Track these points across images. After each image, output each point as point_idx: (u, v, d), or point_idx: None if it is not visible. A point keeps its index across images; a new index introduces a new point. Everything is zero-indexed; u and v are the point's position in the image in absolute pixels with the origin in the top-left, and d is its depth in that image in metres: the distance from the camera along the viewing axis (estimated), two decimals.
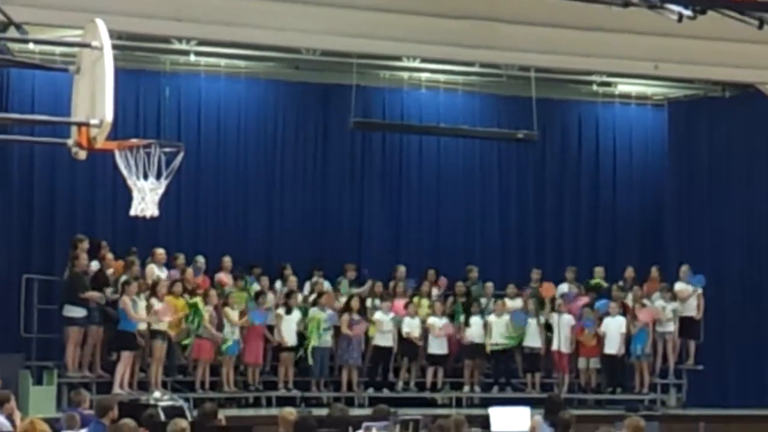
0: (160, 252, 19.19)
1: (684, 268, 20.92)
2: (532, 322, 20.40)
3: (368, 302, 20.27)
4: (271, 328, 19.60)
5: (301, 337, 19.61)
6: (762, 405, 20.33)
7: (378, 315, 19.96)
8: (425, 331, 20.18)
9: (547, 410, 13.73)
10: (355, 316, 19.78)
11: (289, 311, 19.49)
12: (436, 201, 22.35)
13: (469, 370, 20.52)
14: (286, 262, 20.36)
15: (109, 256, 18.72)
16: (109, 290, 18.29)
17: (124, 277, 18.38)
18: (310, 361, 19.50)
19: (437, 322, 20.14)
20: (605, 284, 21.16)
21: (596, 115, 23.10)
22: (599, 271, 21.40)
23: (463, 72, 21.44)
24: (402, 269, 20.88)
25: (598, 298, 20.86)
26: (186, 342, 18.87)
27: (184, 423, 10.83)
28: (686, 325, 20.85)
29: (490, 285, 21.03)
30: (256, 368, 19.49)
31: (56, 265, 19.13)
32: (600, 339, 20.38)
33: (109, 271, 18.62)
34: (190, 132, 20.50)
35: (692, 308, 20.81)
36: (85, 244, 18.44)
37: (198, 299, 18.77)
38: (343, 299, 20.05)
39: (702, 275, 20.78)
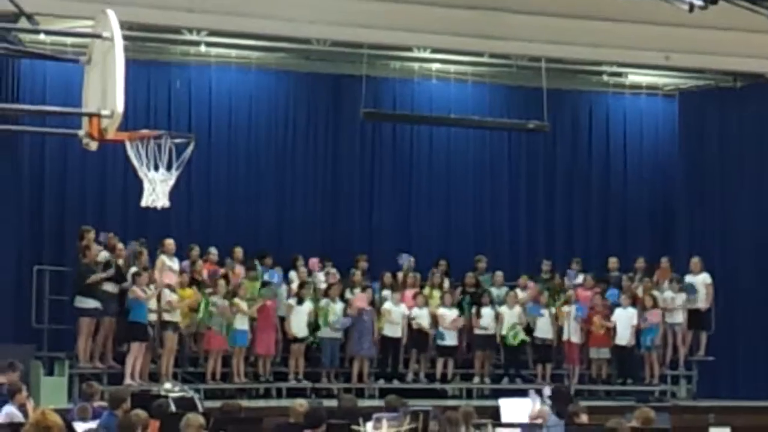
0: (170, 243, 19.17)
1: (695, 260, 20.90)
2: (544, 313, 20.38)
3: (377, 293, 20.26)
4: (282, 320, 19.60)
5: (312, 327, 19.61)
6: None
7: (387, 305, 19.95)
8: (435, 322, 20.16)
9: (554, 401, 13.76)
10: (367, 307, 19.79)
11: (300, 302, 19.50)
12: (446, 191, 22.35)
13: (479, 362, 20.51)
14: (297, 254, 20.35)
15: (120, 245, 18.72)
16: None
17: (134, 268, 18.39)
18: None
19: (447, 312, 20.13)
20: (614, 274, 21.13)
21: (607, 106, 23.07)
22: (613, 261, 21.36)
23: (473, 62, 21.41)
24: (411, 260, 20.86)
25: (609, 289, 20.86)
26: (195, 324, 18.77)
27: (201, 419, 10.81)
28: (696, 316, 20.83)
29: (499, 274, 21.02)
30: (267, 359, 19.50)
31: (67, 256, 19.16)
32: (610, 329, 20.38)
33: (120, 261, 18.60)
34: (201, 123, 20.52)
35: (702, 299, 20.79)
36: (92, 235, 18.46)
37: (204, 296, 18.72)
38: (357, 290, 20.03)
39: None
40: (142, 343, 18.08)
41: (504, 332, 20.23)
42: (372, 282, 20.39)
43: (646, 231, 22.88)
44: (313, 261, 20.32)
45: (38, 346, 18.31)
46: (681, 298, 20.62)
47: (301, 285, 19.73)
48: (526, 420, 14.28)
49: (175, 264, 19.03)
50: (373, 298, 20.00)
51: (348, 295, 19.99)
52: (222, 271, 19.47)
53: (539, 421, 14.01)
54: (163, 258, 18.96)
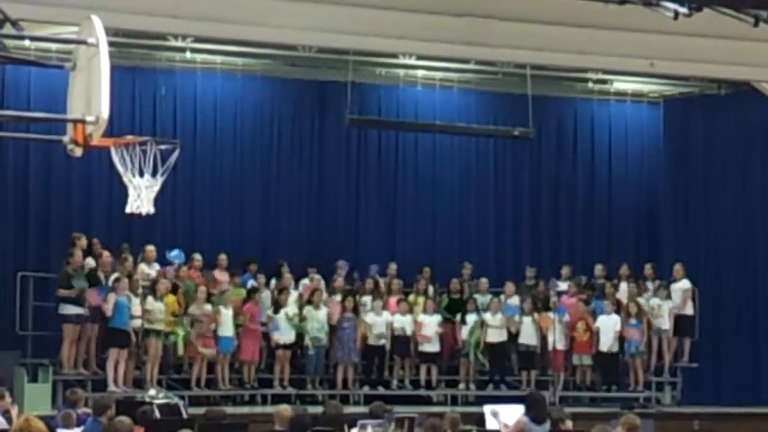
0: (150, 249, 19.13)
1: (677, 267, 20.94)
2: (526, 320, 20.37)
3: (360, 299, 20.23)
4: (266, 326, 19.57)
5: (298, 334, 19.60)
6: (756, 403, 20.37)
7: (369, 316, 19.90)
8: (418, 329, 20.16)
9: (528, 407, 13.72)
10: (348, 314, 19.77)
11: (276, 310, 19.45)
12: (431, 198, 22.33)
13: (464, 368, 20.49)
14: (282, 260, 20.34)
15: (105, 253, 18.68)
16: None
17: (115, 275, 18.34)
18: (311, 351, 19.47)
19: (427, 319, 20.11)
20: (601, 282, 21.13)
21: (592, 113, 23.10)
22: (599, 268, 21.36)
23: (459, 69, 21.43)
24: (393, 267, 20.87)
25: (595, 297, 20.86)
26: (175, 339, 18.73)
27: None
28: (680, 322, 20.86)
29: (484, 281, 21.01)
30: (251, 366, 19.46)
31: (52, 262, 19.09)
32: (593, 336, 20.39)
33: (105, 268, 18.53)
34: (186, 129, 20.50)
35: (678, 305, 20.81)
36: (83, 242, 18.42)
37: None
38: (338, 297, 20.03)
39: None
40: (122, 349, 18.00)
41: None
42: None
43: (631, 237, 22.91)
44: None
45: (22, 353, 18.26)
46: (667, 304, 20.66)
47: (280, 291, 19.71)
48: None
49: (154, 271, 18.95)
50: (355, 304, 19.96)
51: (325, 296, 19.99)
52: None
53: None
54: (142, 266, 18.91)
